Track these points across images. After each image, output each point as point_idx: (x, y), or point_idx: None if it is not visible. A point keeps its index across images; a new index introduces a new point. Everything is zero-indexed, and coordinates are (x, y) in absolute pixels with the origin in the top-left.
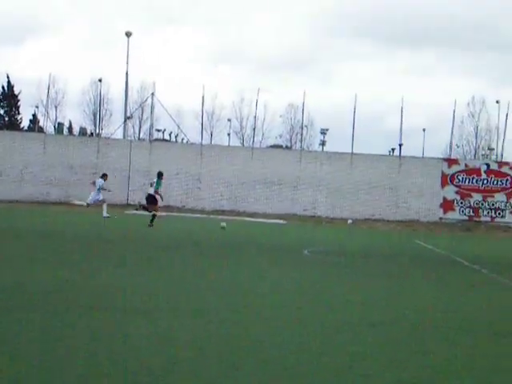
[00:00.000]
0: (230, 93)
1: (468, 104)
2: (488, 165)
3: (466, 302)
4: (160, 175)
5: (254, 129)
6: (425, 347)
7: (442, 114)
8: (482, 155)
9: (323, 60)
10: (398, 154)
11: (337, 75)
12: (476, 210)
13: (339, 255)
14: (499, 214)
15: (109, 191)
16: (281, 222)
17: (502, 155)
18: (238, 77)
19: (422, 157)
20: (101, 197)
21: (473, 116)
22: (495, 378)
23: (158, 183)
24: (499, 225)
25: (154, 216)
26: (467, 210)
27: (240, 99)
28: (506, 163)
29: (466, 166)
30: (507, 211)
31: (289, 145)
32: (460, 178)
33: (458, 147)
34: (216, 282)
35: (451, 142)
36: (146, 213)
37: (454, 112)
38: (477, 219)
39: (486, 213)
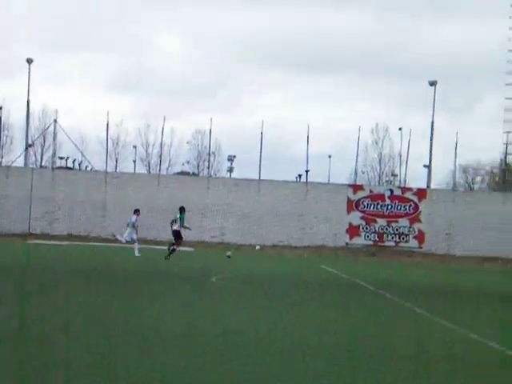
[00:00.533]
0: (136, 119)
1: (372, 131)
2: (392, 190)
3: (370, 326)
4: (182, 210)
5: (161, 155)
6: (329, 370)
7: (347, 140)
8: (386, 181)
9: (230, 86)
10: (305, 180)
11: (243, 101)
12: (381, 235)
13: (246, 282)
14: (403, 238)
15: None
16: (189, 249)
17: (405, 181)
18: (143, 103)
19: (328, 183)
20: (135, 236)
21: (376, 143)
22: None
23: (182, 218)
24: (403, 249)
25: (173, 250)
26: (372, 235)
27: (146, 125)
28: (409, 189)
29: (370, 191)
30: (411, 236)
31: (196, 171)
32: (365, 203)
33: (363, 173)
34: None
35: (356, 168)
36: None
37: (359, 139)
38: (381, 244)
39: (390, 238)
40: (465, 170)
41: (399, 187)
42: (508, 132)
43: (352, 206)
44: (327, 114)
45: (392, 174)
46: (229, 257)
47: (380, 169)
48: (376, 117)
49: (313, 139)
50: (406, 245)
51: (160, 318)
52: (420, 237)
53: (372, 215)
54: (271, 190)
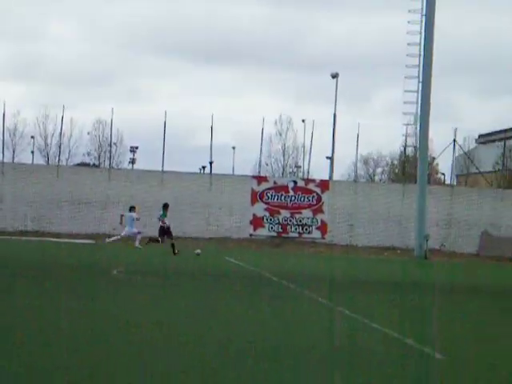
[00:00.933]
0: (33, 109)
1: (275, 122)
2: (295, 182)
3: (273, 317)
4: (165, 206)
5: (60, 146)
6: (230, 362)
7: (251, 131)
8: (290, 173)
9: (131, 76)
10: (209, 171)
11: (146, 91)
12: (284, 227)
13: (149, 275)
14: (306, 229)
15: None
16: (89, 241)
17: (308, 172)
18: (40, 92)
19: (233, 174)
20: (135, 229)
21: (280, 134)
22: None
23: (163, 214)
24: (306, 240)
25: (156, 241)
26: (276, 226)
27: (44, 115)
28: (312, 180)
29: (274, 183)
30: (314, 227)
31: (97, 163)
32: (269, 195)
33: (266, 165)
34: None
35: (260, 160)
36: None
37: (263, 130)
38: (285, 235)
39: (293, 229)
40: (366, 161)
41: (303, 179)
42: (407, 124)
43: (256, 197)
44: (229, 105)
45: (296, 166)
46: (198, 254)
47: (284, 160)
48: (279, 108)
49: (217, 130)
50: (310, 236)
51: (62, 314)
52: (323, 228)
53: (276, 206)
54: (175, 182)
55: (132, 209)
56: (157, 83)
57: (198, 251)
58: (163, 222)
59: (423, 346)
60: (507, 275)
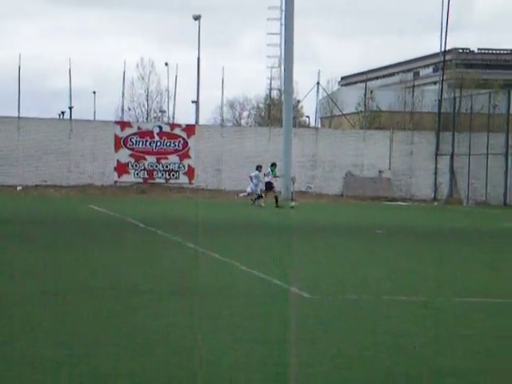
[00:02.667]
0: None
1: (137, 66)
2: (160, 127)
3: (142, 263)
4: (273, 164)
5: None
6: (101, 309)
7: (112, 75)
8: (155, 117)
9: None
10: (69, 117)
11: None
12: (150, 173)
13: (6, 223)
14: (173, 175)
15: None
16: None
17: (173, 117)
18: None
19: (94, 120)
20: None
21: (143, 78)
22: (151, 335)
23: (273, 170)
24: (174, 186)
25: (260, 196)
26: (142, 172)
27: None
28: (178, 125)
29: (138, 128)
30: (181, 172)
31: None
32: (133, 140)
33: (129, 110)
34: None
35: (123, 105)
36: None
37: (124, 74)
38: (152, 181)
39: (160, 175)
40: (232, 105)
41: (168, 123)
42: (272, 67)
43: (120, 143)
44: (90, 49)
45: (160, 111)
46: (292, 207)
47: (148, 105)
48: (141, 51)
49: (76, 74)
50: (177, 181)
51: None
52: (190, 173)
53: (141, 152)
54: (32, 128)
55: (258, 168)
56: (12, 25)
57: (293, 204)
58: (273, 177)
59: (290, 285)
60: (367, 214)
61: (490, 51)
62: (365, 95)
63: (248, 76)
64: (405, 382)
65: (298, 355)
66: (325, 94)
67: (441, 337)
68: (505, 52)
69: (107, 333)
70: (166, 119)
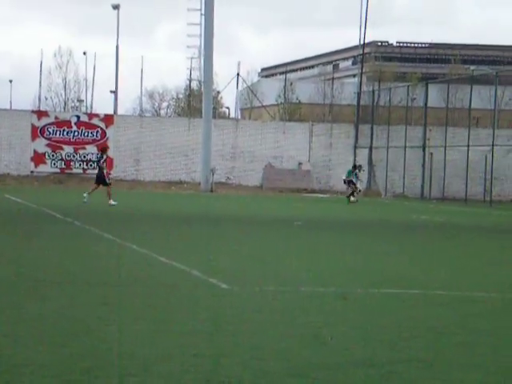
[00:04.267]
0: None
1: (55, 55)
2: (78, 117)
3: (59, 254)
4: (359, 167)
5: None
6: (13, 300)
7: (29, 64)
8: (72, 107)
9: None
10: None
11: None
12: (68, 163)
13: None
14: (91, 165)
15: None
16: None
17: (91, 107)
18: None
19: (10, 109)
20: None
21: (60, 67)
22: (66, 326)
23: (350, 173)
24: (91, 176)
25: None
26: (59, 162)
27: None
28: (96, 115)
29: (56, 118)
30: None
31: None
32: (50, 130)
33: (46, 99)
34: None
35: (40, 94)
36: None
37: (41, 63)
38: (69, 171)
39: (78, 165)
40: (151, 95)
41: (86, 113)
42: (191, 58)
43: (37, 132)
44: (6, 37)
45: (78, 100)
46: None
47: (65, 94)
48: (59, 40)
49: None
50: (94, 171)
51: None
52: (108, 163)
53: (58, 142)
54: None
55: (359, 167)
56: None
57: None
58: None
59: (209, 276)
60: (286, 206)
61: (409, 44)
62: (284, 87)
63: (168, 66)
64: (322, 372)
65: (215, 346)
66: (245, 86)
67: (358, 327)
68: (423, 45)
69: (20, 324)
70: (84, 109)
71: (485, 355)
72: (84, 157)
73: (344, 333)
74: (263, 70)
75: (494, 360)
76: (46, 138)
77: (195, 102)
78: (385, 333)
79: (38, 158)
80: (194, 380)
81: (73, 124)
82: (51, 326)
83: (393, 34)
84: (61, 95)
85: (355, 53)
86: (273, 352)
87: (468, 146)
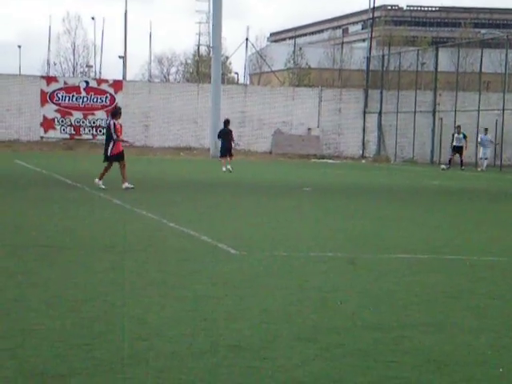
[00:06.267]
0: None
1: (63, 20)
2: (87, 82)
3: (69, 219)
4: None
5: None
6: (24, 266)
7: (36, 29)
8: (81, 73)
9: None
10: None
11: None
12: (77, 128)
13: None
14: (100, 131)
15: None
16: None
17: (100, 72)
18: None
19: (20, 74)
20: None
21: (69, 32)
22: (77, 292)
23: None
24: (101, 142)
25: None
26: (68, 128)
27: None
28: (105, 80)
29: (65, 83)
30: None
31: None
32: (59, 96)
33: (55, 64)
34: None
35: (48, 59)
36: None
37: (50, 28)
38: (78, 137)
39: (87, 131)
40: (160, 60)
41: (95, 79)
42: (200, 22)
43: (46, 98)
44: (14, 2)
45: (87, 66)
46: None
47: (74, 60)
48: (67, 5)
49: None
50: (103, 137)
51: None
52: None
53: (67, 108)
54: None
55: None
56: None
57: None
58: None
59: (218, 242)
60: (295, 172)
61: (419, 8)
62: (294, 52)
63: (176, 31)
64: (331, 336)
65: (225, 311)
66: (254, 51)
67: (367, 292)
68: (433, 9)
69: (30, 289)
70: (92, 74)
71: (494, 319)
72: (93, 122)
73: (353, 297)
74: (272, 34)
75: (503, 323)
76: (55, 104)
77: (204, 68)
78: (394, 297)
79: (47, 124)
80: (204, 344)
81: (82, 89)
82: (61, 291)
83: None
84: (70, 60)
85: (365, 17)
86: (282, 316)
87: (478, 110)
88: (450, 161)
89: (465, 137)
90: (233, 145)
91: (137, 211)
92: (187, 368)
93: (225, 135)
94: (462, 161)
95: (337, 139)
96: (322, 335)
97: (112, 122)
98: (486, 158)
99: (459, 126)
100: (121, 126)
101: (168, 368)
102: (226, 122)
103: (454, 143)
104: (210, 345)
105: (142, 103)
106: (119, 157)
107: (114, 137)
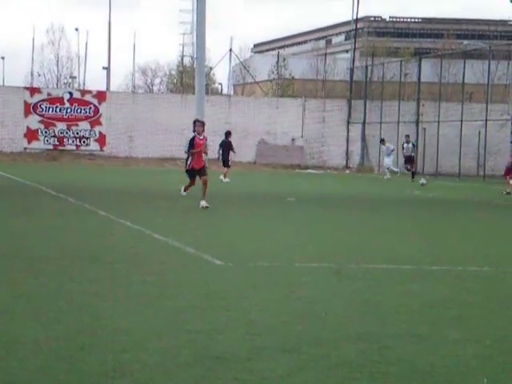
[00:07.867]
0: None
1: (47, 31)
2: (71, 93)
3: (52, 229)
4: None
5: None
6: (12, 277)
7: (20, 40)
8: (65, 84)
9: None
10: None
11: None
12: (61, 139)
13: None
14: (84, 142)
15: None
16: None
17: (84, 83)
18: None
19: (3, 85)
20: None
21: (53, 44)
22: (60, 303)
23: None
24: (84, 153)
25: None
26: (52, 139)
27: None
28: (89, 91)
29: (48, 94)
30: (92, 139)
31: None
32: (43, 107)
33: (39, 75)
34: None
35: (32, 70)
36: None
37: (34, 39)
38: (62, 148)
39: (71, 141)
40: (144, 71)
41: (78, 90)
42: (184, 33)
43: (29, 109)
44: None
45: (70, 77)
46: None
47: (58, 71)
48: (51, 16)
49: None
50: (88, 148)
51: None
52: (101, 140)
53: (51, 119)
54: None
55: (382, 141)
56: None
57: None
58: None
59: (203, 253)
60: (279, 182)
61: (402, 19)
62: (277, 63)
63: (160, 42)
64: (315, 347)
65: (209, 322)
66: (237, 61)
67: (352, 303)
68: (416, 20)
69: (14, 300)
70: (76, 85)
71: (479, 329)
72: (77, 133)
73: (338, 308)
74: (256, 45)
75: (488, 334)
76: (38, 115)
77: (188, 78)
78: (379, 308)
79: (30, 135)
80: (189, 356)
81: (65, 100)
82: (46, 302)
83: (386, 9)
84: (53, 72)
85: (348, 28)
86: (267, 327)
87: (461, 120)
88: (412, 173)
89: (414, 146)
90: (230, 157)
91: (121, 222)
92: (172, 380)
93: (224, 146)
94: (413, 172)
95: (321, 149)
96: (307, 346)
97: (193, 136)
98: (388, 168)
99: (408, 135)
100: (203, 140)
101: (153, 380)
102: (227, 134)
103: (404, 152)
104: (194, 356)
105: (125, 114)
106: (198, 172)
107: (185, 149)
